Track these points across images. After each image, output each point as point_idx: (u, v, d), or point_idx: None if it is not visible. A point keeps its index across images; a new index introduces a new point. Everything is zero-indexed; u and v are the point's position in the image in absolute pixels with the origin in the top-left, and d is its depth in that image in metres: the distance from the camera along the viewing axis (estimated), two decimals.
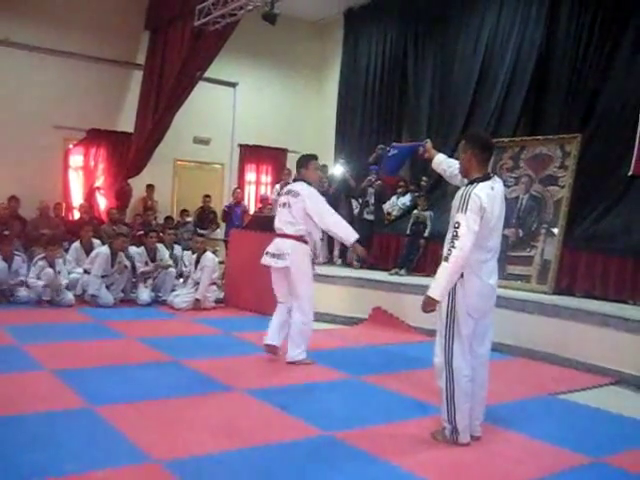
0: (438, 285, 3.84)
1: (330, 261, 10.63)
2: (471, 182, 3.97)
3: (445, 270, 3.82)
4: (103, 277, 8.83)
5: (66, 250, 9.42)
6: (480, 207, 3.82)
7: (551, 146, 8.28)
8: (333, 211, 6.17)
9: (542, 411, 5.13)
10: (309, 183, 6.10)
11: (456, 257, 3.78)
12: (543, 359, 6.72)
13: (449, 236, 3.89)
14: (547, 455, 4.09)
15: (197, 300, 8.82)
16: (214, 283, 9.28)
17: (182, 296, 8.96)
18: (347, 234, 6.06)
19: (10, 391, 4.74)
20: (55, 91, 11.68)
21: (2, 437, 3.80)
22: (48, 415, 4.25)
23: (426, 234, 9.46)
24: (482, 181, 3.95)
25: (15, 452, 3.57)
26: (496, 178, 4.10)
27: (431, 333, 7.20)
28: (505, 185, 4.37)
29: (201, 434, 4.04)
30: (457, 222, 3.84)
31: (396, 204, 10.65)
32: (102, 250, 8.98)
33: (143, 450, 3.70)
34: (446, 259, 3.82)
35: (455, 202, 3.95)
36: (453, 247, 3.80)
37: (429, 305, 3.88)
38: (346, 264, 10.43)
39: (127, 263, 9.04)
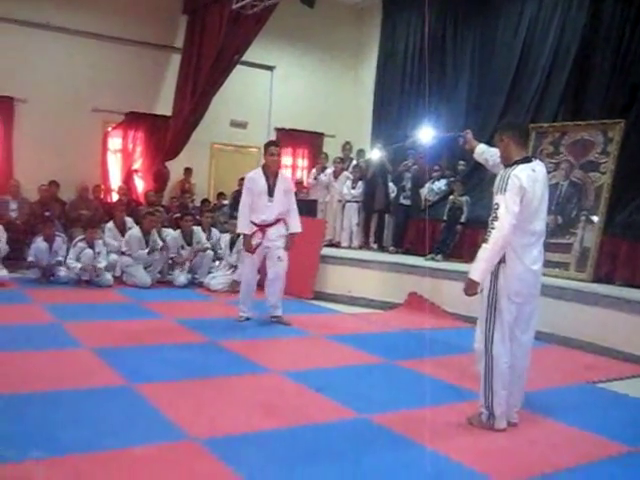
0: (478, 267, 3.82)
1: (366, 245, 10.62)
2: (511, 164, 3.93)
3: (485, 251, 3.79)
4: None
5: (102, 231, 9.53)
6: (520, 187, 3.78)
7: (593, 132, 8.11)
8: (240, 207, 6.93)
9: (579, 399, 5.09)
10: (265, 169, 6.92)
11: (495, 238, 3.75)
12: (581, 347, 6.64)
13: (490, 219, 3.86)
14: (584, 443, 4.05)
15: (235, 281, 8.86)
16: None
17: (218, 278, 9.05)
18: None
19: (51, 368, 4.85)
20: (94, 74, 11.77)
21: (45, 412, 3.89)
22: (88, 392, 4.34)
23: (462, 219, 9.40)
24: (522, 163, 3.91)
25: (57, 427, 3.65)
26: (538, 161, 4.06)
27: (467, 319, 7.23)
28: None
29: (238, 414, 4.09)
30: (496, 203, 3.81)
31: (431, 189, 10.58)
32: (133, 232, 9.14)
33: (181, 428, 3.76)
34: (485, 240, 3.79)
35: (495, 185, 3.92)
36: (492, 228, 3.77)
37: (470, 288, 3.85)
38: (382, 248, 10.42)
39: (161, 244, 9.15)
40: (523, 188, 3.80)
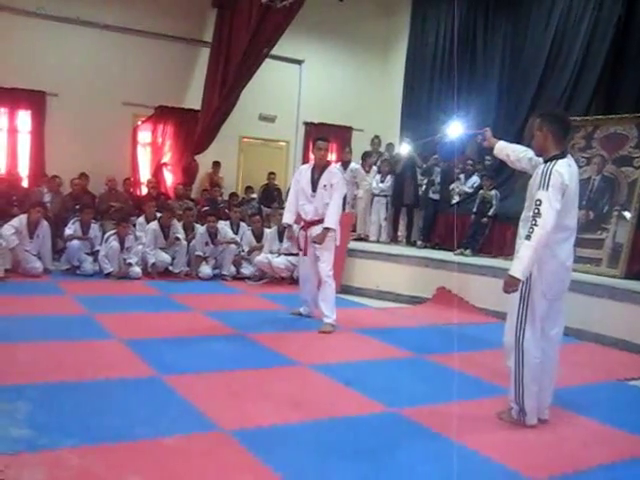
0: (520, 264, 3.73)
1: (394, 240, 10.58)
2: (550, 159, 3.87)
3: (528, 248, 3.71)
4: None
5: (134, 225, 9.61)
6: (562, 183, 3.72)
7: (626, 125, 7.98)
8: (288, 199, 6.89)
9: (611, 396, 5.02)
10: (314, 163, 6.67)
11: (539, 235, 3.67)
12: (612, 344, 6.55)
13: (528, 214, 3.80)
14: (617, 441, 3.99)
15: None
16: None
17: (281, 258, 9.11)
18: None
19: (83, 358, 4.91)
20: (124, 68, 11.89)
21: (77, 401, 3.94)
22: (119, 382, 4.39)
23: (490, 213, 9.31)
24: (561, 158, 3.85)
25: (90, 416, 3.69)
26: (569, 156, 3.99)
27: (495, 315, 7.17)
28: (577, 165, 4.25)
29: (267, 406, 4.10)
30: (538, 199, 3.72)
31: (464, 185, 10.48)
32: (150, 226, 9.26)
33: (211, 419, 3.78)
34: (528, 237, 3.71)
35: (535, 180, 3.85)
36: (535, 225, 3.68)
37: (511, 285, 3.76)
38: (410, 243, 10.38)
39: (179, 235, 9.24)
40: (565, 184, 3.73)
